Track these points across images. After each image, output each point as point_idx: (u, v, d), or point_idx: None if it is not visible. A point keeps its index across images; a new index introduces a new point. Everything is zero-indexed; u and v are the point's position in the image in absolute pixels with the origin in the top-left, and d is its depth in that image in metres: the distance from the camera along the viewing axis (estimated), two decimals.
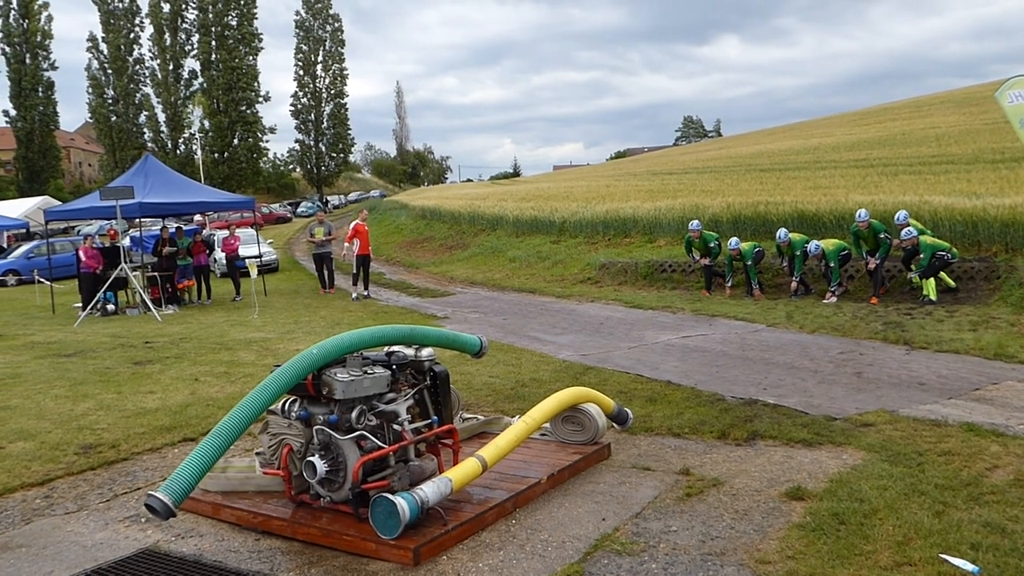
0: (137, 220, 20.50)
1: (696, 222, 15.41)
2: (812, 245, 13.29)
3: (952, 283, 12.30)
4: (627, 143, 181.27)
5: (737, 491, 5.16)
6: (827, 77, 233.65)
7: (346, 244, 18.33)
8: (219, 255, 22.90)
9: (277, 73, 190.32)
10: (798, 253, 13.56)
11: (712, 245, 15.01)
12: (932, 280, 12.08)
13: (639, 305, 14.10)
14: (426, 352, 5.25)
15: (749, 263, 14.09)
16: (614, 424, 6.46)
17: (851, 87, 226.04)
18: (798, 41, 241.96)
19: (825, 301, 12.83)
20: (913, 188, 16.68)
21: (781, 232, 13.89)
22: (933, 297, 11.96)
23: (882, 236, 12.70)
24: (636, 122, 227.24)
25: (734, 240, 14.51)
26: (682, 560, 4.24)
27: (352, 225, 18.50)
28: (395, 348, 5.22)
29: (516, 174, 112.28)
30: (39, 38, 67.05)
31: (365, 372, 4.78)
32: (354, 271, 18.29)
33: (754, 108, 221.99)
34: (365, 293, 17.84)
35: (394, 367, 5.04)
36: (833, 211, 15.43)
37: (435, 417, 5.20)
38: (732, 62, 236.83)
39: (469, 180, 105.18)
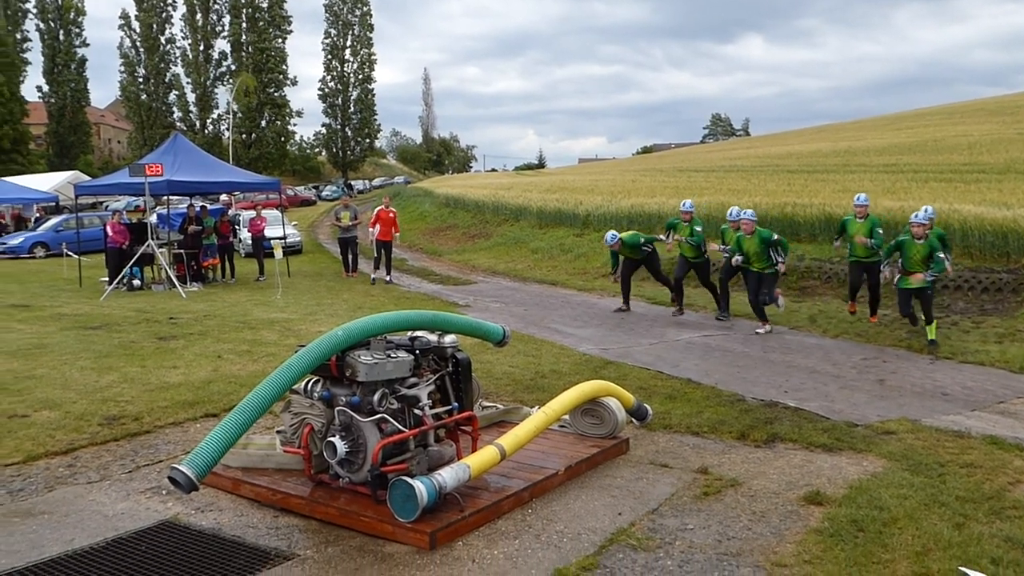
0: (165, 197, 20.69)
1: (689, 201, 13.36)
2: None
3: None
4: (651, 139, 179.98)
5: (755, 492, 5.15)
6: (852, 80, 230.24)
7: (370, 229, 18.49)
8: (244, 235, 23.07)
9: (303, 57, 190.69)
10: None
11: (699, 229, 12.87)
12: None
13: (661, 302, 14.05)
14: (449, 339, 5.27)
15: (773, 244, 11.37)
16: (633, 419, 6.45)
17: (877, 91, 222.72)
18: (823, 43, 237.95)
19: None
20: (943, 195, 16.49)
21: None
22: (933, 336, 9.95)
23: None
24: (660, 118, 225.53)
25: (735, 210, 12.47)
26: (697, 559, 4.23)
27: (375, 211, 18.64)
28: (419, 333, 5.24)
29: (541, 165, 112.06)
30: (72, 15, 67.78)
31: (388, 356, 4.81)
32: (375, 255, 18.40)
33: (779, 108, 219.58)
34: (387, 279, 17.91)
35: (417, 352, 5.06)
36: None
37: (456, 404, 5.23)
38: (756, 61, 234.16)
39: (494, 170, 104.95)
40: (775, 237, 11.35)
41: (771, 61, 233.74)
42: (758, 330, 11.10)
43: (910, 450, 5.88)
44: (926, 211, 10.56)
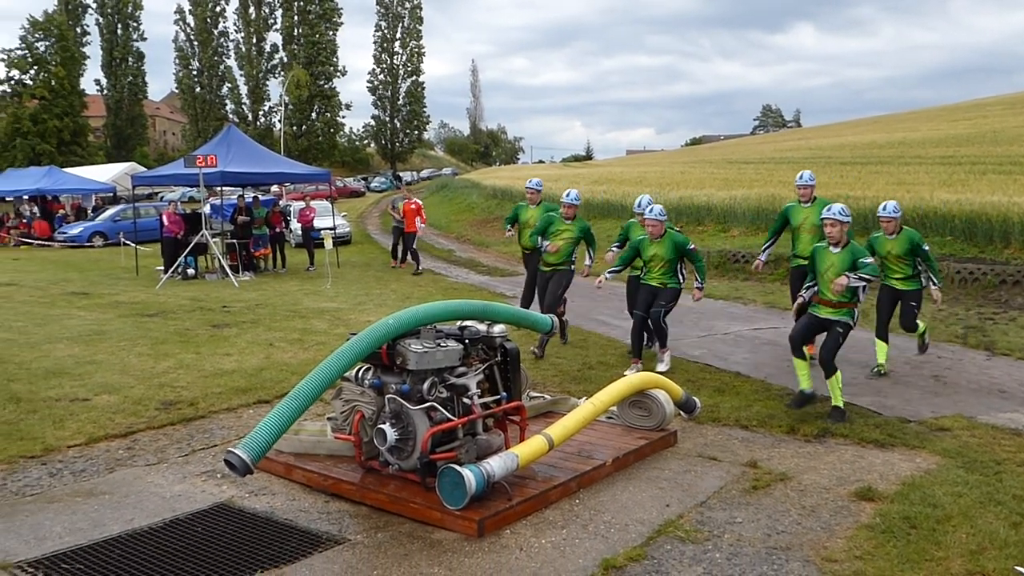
0: (218, 188, 21.08)
1: (575, 192, 9.46)
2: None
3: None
4: (700, 130, 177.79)
5: (805, 487, 5.09)
6: (907, 70, 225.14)
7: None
8: (295, 226, 23.42)
9: (352, 50, 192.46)
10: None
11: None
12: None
13: (710, 295, 13.83)
14: (498, 328, 5.31)
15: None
16: (681, 412, 6.42)
17: (933, 81, 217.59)
18: (876, 31, 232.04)
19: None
20: (1002, 188, 16.03)
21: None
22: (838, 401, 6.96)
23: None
24: (709, 109, 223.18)
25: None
26: (746, 552, 4.21)
27: (400, 204, 19.51)
28: (468, 323, 5.28)
29: (588, 157, 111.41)
30: (130, 9, 69.39)
31: (438, 345, 4.86)
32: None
33: (831, 99, 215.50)
34: (415, 268, 18.34)
35: (466, 341, 5.11)
36: (917, 208, 14.94)
37: (504, 393, 5.26)
38: (808, 51, 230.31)
39: (541, 161, 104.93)
40: (691, 246, 8.27)
41: (823, 51, 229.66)
42: (656, 371, 7.43)
43: (965, 447, 5.76)
44: (889, 206, 7.72)
